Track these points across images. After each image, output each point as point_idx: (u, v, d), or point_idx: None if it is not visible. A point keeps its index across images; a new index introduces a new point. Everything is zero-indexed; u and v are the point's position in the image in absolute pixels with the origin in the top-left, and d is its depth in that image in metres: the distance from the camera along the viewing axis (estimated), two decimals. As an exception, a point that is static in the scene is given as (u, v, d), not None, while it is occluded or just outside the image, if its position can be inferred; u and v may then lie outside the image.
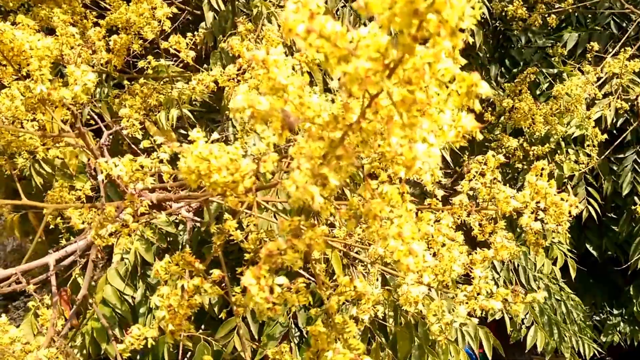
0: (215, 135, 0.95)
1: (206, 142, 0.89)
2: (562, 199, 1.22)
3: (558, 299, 3.95)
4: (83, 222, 1.21)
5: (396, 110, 0.60)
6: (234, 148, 0.88)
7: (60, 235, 2.30)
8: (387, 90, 0.57)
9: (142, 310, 2.78)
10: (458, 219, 1.49)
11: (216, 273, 1.10)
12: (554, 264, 3.71)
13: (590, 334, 4.10)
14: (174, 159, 1.23)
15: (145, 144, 1.19)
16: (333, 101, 0.83)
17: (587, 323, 4.27)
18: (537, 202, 1.29)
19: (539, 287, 3.73)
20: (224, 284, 1.18)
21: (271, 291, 0.72)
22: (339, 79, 0.61)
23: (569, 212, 1.23)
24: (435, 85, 0.59)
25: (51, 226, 2.13)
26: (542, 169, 1.25)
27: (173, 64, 2.90)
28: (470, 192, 1.56)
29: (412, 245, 0.69)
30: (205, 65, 2.73)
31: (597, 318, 5.79)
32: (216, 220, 2.56)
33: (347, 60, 0.58)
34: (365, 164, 1.02)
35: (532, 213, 1.26)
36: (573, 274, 3.76)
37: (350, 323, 1.04)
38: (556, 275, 3.75)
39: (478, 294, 1.20)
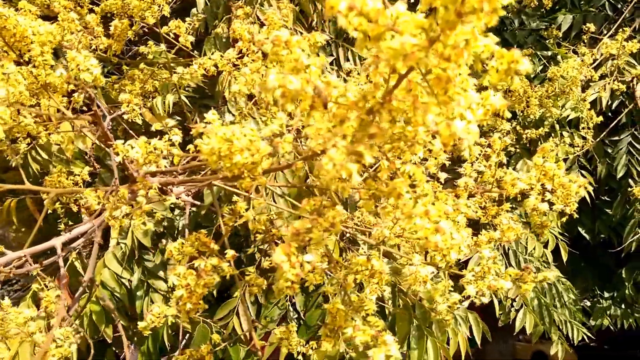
0: (229, 117, 0.95)
1: (222, 124, 0.90)
2: (570, 180, 1.23)
3: (549, 283, 3.97)
4: (99, 203, 1.21)
5: (431, 89, 0.60)
6: (251, 130, 0.89)
7: (58, 220, 2.30)
8: (425, 68, 0.58)
9: (139, 293, 2.80)
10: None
11: (230, 253, 1.11)
12: (545, 247, 3.72)
13: (580, 318, 4.14)
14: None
15: (157, 126, 1.19)
16: (345, 81, 0.84)
17: (578, 307, 4.30)
18: (543, 184, 1.30)
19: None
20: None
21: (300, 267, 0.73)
22: (374, 58, 0.62)
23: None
24: (473, 63, 0.59)
25: (49, 211, 2.13)
26: (551, 149, 1.26)
27: (164, 51, 2.89)
28: (474, 175, 1.57)
29: (440, 223, 0.70)
30: (196, 52, 2.71)
31: (587, 302, 5.84)
32: (212, 205, 2.57)
33: (383, 38, 0.59)
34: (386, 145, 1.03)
35: (538, 194, 1.27)
36: (564, 257, 3.76)
37: (367, 301, 1.05)
38: (547, 258, 3.74)
39: (486, 274, 1.21)
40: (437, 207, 0.72)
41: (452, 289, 1.37)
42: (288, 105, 0.73)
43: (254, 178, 0.96)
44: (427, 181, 1.25)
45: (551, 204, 1.27)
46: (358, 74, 2.78)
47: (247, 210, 1.31)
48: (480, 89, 0.69)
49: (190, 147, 1.27)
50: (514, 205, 1.68)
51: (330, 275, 2.02)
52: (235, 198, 1.35)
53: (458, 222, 1.18)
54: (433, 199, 0.78)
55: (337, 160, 0.62)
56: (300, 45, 0.86)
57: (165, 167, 1.14)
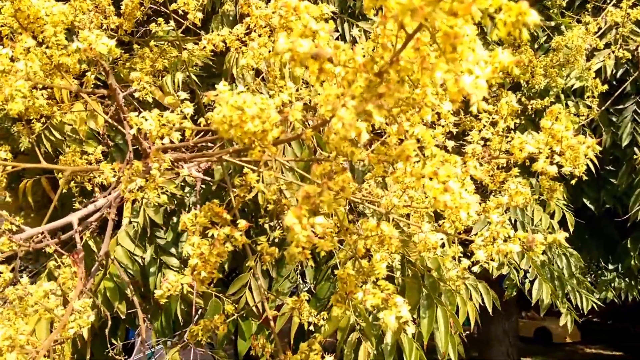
0: (240, 87, 0.97)
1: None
2: (579, 142, 1.25)
3: (558, 254, 3.99)
4: (116, 180, 1.23)
5: (439, 47, 0.62)
6: (261, 99, 0.90)
7: (73, 200, 2.34)
8: (432, 24, 0.59)
9: (152, 269, 2.84)
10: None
11: (243, 223, 1.14)
12: (552, 218, 3.74)
13: (589, 287, 4.15)
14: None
15: (169, 99, 1.21)
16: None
17: (585, 278, 4.32)
18: (551, 148, 1.31)
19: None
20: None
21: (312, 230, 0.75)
22: (382, 18, 0.64)
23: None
24: (480, 19, 0.61)
25: (64, 191, 2.16)
26: (559, 112, 1.27)
27: (174, 29, 2.91)
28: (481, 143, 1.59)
29: (449, 183, 0.72)
30: (203, 32, 2.73)
31: (593, 275, 5.85)
32: (222, 182, 2.60)
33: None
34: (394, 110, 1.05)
35: (547, 158, 1.28)
36: (571, 229, 3.77)
37: (377, 265, 1.07)
38: (554, 229, 3.76)
39: (495, 239, 1.23)
40: (445, 167, 0.74)
41: (462, 256, 1.39)
42: (297, 69, 0.74)
43: (264, 149, 0.98)
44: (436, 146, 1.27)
45: (560, 166, 1.28)
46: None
47: (257, 182, 1.33)
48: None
49: (202, 120, 1.29)
50: (523, 177, 1.69)
51: (341, 247, 2.04)
52: (245, 170, 1.37)
53: (466, 185, 1.19)
54: (442, 161, 0.79)
55: (347, 119, 0.64)
56: (308, 11, 0.88)
57: (179, 139, 1.16)
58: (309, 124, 1.50)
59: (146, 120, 1.08)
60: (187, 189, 3.09)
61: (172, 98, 1.26)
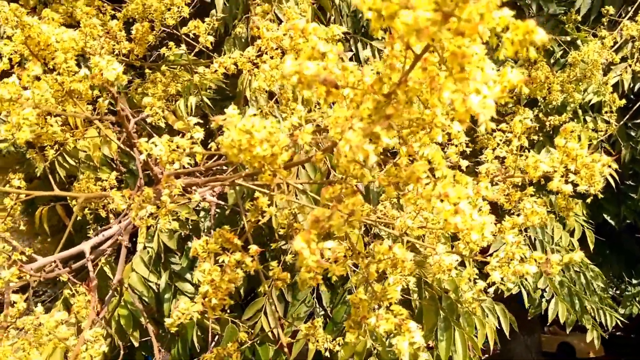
0: (251, 111, 0.96)
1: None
2: (594, 160, 1.22)
3: (577, 271, 3.93)
4: (127, 206, 1.23)
5: (447, 67, 0.60)
6: (271, 122, 0.89)
7: (88, 227, 2.34)
8: (439, 45, 0.58)
9: (166, 296, 2.83)
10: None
11: (254, 248, 1.12)
12: (572, 235, 3.68)
13: (611, 304, 4.08)
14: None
15: (179, 124, 1.20)
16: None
17: (607, 294, 4.25)
18: (566, 166, 1.29)
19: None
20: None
21: (321, 255, 0.73)
22: (389, 38, 0.62)
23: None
24: (487, 38, 0.59)
25: (78, 218, 2.17)
26: (572, 131, 1.25)
27: (186, 53, 2.92)
28: (496, 162, 1.56)
29: (459, 205, 0.70)
30: (215, 55, 2.74)
31: (615, 290, 5.78)
32: (236, 206, 2.59)
33: (398, 16, 0.59)
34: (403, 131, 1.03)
35: (562, 177, 1.26)
36: (591, 246, 3.72)
37: (390, 289, 1.05)
38: (574, 246, 3.71)
39: (511, 259, 1.20)
40: (456, 189, 0.72)
41: (477, 277, 1.36)
42: (305, 91, 0.73)
43: (275, 172, 0.96)
44: (449, 167, 1.25)
45: (575, 185, 1.26)
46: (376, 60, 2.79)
47: (269, 206, 1.32)
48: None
49: (212, 144, 1.28)
50: (539, 195, 1.67)
51: (356, 270, 2.02)
52: (257, 194, 1.35)
53: (480, 206, 1.17)
54: (453, 182, 0.77)
55: (354, 142, 0.62)
56: (316, 33, 0.87)
57: (189, 164, 1.15)
58: (321, 146, 1.49)
59: (156, 145, 1.07)
60: (201, 213, 3.08)
61: (182, 123, 1.26)
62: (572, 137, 1.27)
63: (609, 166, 1.27)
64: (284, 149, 0.90)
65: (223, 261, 1.07)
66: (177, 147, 1.14)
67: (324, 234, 0.74)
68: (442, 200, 0.71)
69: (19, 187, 1.73)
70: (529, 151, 1.43)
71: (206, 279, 1.05)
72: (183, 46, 2.21)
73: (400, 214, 1.82)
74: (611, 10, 3.92)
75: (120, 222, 1.66)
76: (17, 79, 1.07)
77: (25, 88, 1.20)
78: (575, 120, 3.87)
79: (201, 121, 3.26)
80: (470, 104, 0.58)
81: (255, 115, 0.87)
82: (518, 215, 1.35)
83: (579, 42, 4.05)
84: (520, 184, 1.52)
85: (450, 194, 0.71)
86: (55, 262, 1.52)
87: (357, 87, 0.74)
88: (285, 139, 0.89)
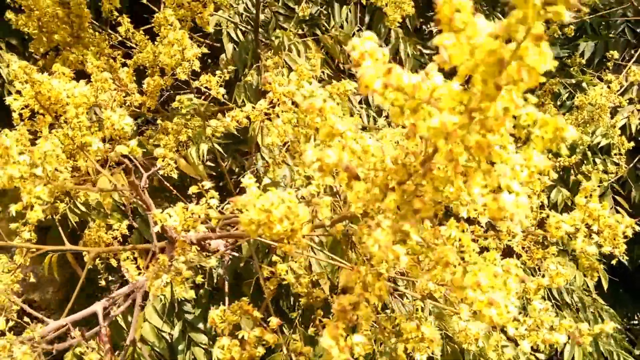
0: (266, 181, 0.94)
1: (258, 187, 0.88)
2: (617, 221, 1.20)
3: (592, 311, 3.88)
4: (139, 273, 1.21)
5: (472, 156, 0.59)
6: (289, 194, 0.87)
7: (99, 276, 2.31)
8: (467, 143, 0.56)
9: (180, 347, 2.77)
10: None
11: (274, 321, 1.09)
12: (586, 275, 3.64)
13: (626, 347, 4.02)
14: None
15: (193, 189, 1.18)
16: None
17: (623, 335, 4.18)
18: (587, 225, 1.26)
19: (572, 300, 3.68)
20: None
21: (351, 352, 0.70)
22: (411, 126, 0.61)
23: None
24: (515, 131, 0.58)
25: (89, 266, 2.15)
26: (592, 190, 1.23)
27: (197, 98, 2.92)
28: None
29: (493, 296, 0.67)
30: (226, 97, 2.74)
31: (629, 329, 5.68)
32: (250, 258, 2.55)
33: (420, 109, 0.57)
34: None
35: (585, 237, 1.23)
36: (605, 286, 3.68)
37: (417, 365, 1.02)
38: (588, 287, 3.68)
39: (538, 327, 1.17)
40: (487, 274, 0.69)
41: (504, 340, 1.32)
42: (326, 178, 0.71)
43: (294, 243, 0.94)
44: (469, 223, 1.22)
45: (599, 246, 1.23)
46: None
47: (287, 272, 1.29)
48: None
49: (227, 207, 1.26)
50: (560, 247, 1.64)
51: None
52: (275, 258, 1.33)
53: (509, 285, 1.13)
54: (482, 263, 0.75)
55: (383, 242, 0.60)
56: (334, 112, 0.85)
57: (204, 232, 1.14)
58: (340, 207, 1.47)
59: (170, 216, 1.06)
60: (213, 259, 3.04)
61: (194, 170, 1.24)
62: (592, 194, 1.25)
63: (623, 208, 1.24)
64: (304, 224, 0.88)
65: (242, 336, 1.05)
66: (192, 214, 1.12)
67: (351, 325, 0.71)
68: (473, 290, 0.69)
69: (28, 240, 1.71)
70: (550, 209, 1.41)
71: (225, 357, 1.02)
72: (194, 98, 2.21)
73: (420, 274, 1.78)
74: (616, 54, 3.95)
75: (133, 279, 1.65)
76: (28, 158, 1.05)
77: (33, 143, 1.19)
78: (585, 162, 3.87)
79: (213, 164, 3.24)
80: (503, 203, 0.56)
81: (270, 188, 0.85)
82: (543, 276, 1.32)
83: (584, 84, 4.07)
84: (540, 240, 1.50)
85: (483, 283, 0.68)
86: (66, 324, 1.49)
87: (378, 169, 0.72)
88: (304, 213, 0.87)
